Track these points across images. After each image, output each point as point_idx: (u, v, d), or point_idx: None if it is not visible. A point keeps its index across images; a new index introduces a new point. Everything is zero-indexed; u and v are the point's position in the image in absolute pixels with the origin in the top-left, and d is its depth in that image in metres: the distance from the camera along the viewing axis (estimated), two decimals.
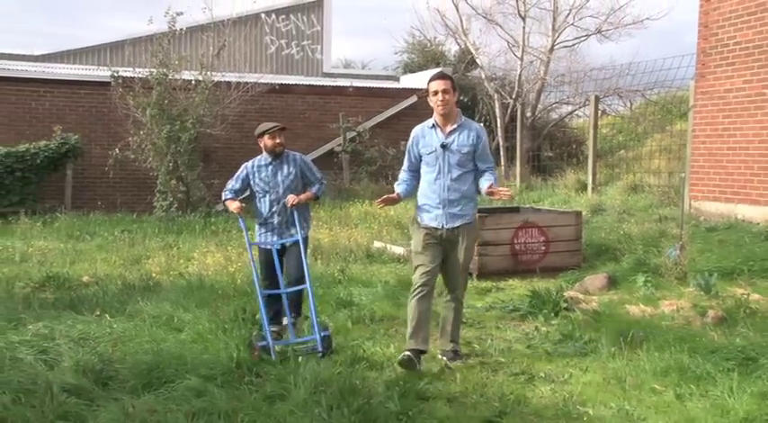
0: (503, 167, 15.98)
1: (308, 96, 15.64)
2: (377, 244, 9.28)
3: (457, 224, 4.78)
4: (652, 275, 6.96)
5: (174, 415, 3.81)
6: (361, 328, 5.76)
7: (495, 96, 16.57)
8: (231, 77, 13.82)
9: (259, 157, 5.62)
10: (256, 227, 5.68)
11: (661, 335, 5.11)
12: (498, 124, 16.49)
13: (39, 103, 13.86)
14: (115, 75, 12.85)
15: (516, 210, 8.87)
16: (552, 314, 5.94)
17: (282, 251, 5.53)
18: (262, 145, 5.59)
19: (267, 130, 5.51)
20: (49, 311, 5.98)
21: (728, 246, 7.77)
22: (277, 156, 5.55)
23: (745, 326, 5.29)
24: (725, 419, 3.82)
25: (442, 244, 4.81)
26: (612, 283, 7.01)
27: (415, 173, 4.95)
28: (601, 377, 4.55)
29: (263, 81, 14.48)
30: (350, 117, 15.22)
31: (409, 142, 4.95)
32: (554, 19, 16.43)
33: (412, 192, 5.00)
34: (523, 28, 16.34)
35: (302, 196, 5.54)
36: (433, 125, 4.84)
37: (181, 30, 13.42)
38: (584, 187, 12.62)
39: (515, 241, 7.85)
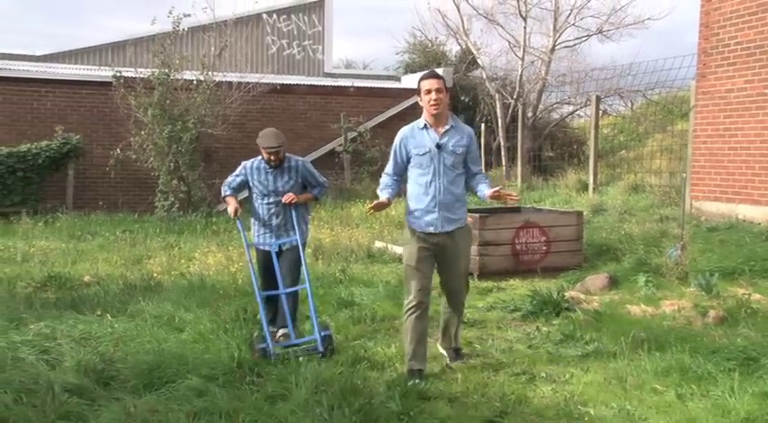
0: (504, 167, 15.99)
1: (309, 96, 15.66)
2: (378, 244, 9.28)
3: (452, 228, 4.64)
4: (653, 275, 6.95)
5: (176, 415, 3.81)
6: (362, 327, 5.77)
7: (497, 96, 16.57)
8: (232, 77, 13.85)
9: (259, 158, 5.50)
10: (254, 227, 5.61)
11: (662, 335, 5.11)
12: (499, 124, 16.50)
13: (40, 104, 13.88)
14: (117, 75, 12.87)
15: (517, 210, 8.86)
16: (553, 314, 5.95)
17: (279, 253, 5.50)
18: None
19: (264, 147, 5.37)
20: (51, 311, 5.98)
21: (729, 246, 7.76)
22: (277, 165, 5.45)
23: (747, 326, 5.29)
24: (726, 419, 3.82)
25: (436, 253, 4.65)
26: (613, 283, 7.01)
27: (400, 177, 4.74)
28: (602, 377, 4.55)
29: (264, 81, 14.51)
30: (351, 117, 15.25)
31: (396, 144, 4.69)
32: (555, 19, 16.43)
33: (397, 195, 4.82)
34: (524, 28, 16.34)
35: (301, 196, 5.50)
36: (425, 126, 4.64)
37: (183, 30, 13.43)
38: (585, 187, 12.62)
39: (516, 241, 7.85)
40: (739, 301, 5.79)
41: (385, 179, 4.77)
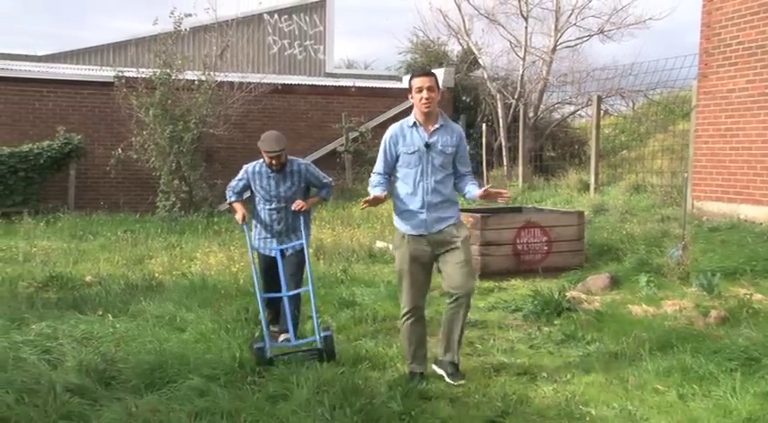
0: (505, 167, 15.98)
1: (310, 96, 15.66)
2: (379, 244, 9.28)
3: (442, 227, 4.48)
4: (654, 275, 6.95)
5: (177, 415, 3.82)
6: (363, 327, 5.77)
7: (498, 96, 16.55)
8: (234, 78, 13.86)
9: (261, 161, 5.42)
10: (256, 229, 5.55)
11: (663, 335, 5.11)
12: (501, 124, 16.47)
13: (42, 104, 13.89)
14: (119, 75, 12.88)
15: (519, 210, 8.87)
16: (555, 314, 5.94)
17: (282, 256, 5.45)
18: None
19: (265, 150, 5.30)
20: (52, 311, 5.99)
21: (731, 246, 7.75)
22: (279, 170, 5.39)
23: (748, 326, 5.28)
24: (727, 420, 3.82)
25: (432, 250, 4.49)
26: (615, 283, 7.01)
27: (389, 176, 4.62)
28: (603, 377, 4.55)
29: (265, 81, 14.51)
30: (352, 117, 15.25)
31: (386, 142, 4.56)
32: (556, 19, 16.40)
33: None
34: (526, 28, 16.31)
35: (309, 202, 5.44)
36: (414, 124, 4.52)
37: (184, 30, 13.45)
38: (586, 187, 12.60)
39: (518, 241, 7.84)
40: (741, 302, 5.79)
41: (375, 178, 4.65)
